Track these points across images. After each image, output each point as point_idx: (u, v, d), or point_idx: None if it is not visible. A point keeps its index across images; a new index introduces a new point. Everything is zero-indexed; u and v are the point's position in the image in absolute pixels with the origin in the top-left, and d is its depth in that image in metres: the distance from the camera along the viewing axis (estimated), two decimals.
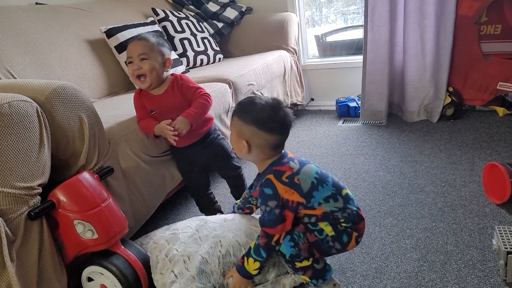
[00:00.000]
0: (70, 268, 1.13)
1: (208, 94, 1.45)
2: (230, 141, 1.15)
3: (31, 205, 0.99)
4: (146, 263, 1.16)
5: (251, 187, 1.29)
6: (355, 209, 1.08)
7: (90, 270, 1.13)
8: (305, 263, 1.09)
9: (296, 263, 1.09)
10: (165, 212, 1.79)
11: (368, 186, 1.75)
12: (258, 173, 1.16)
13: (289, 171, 1.04)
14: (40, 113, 1.01)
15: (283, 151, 1.11)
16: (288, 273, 1.19)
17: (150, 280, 1.16)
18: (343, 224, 1.08)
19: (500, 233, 1.17)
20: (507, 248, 1.10)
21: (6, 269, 0.92)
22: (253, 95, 1.08)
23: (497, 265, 1.18)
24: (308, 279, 1.12)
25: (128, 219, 1.21)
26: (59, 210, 1.05)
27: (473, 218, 1.42)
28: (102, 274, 1.11)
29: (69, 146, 1.13)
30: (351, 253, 1.33)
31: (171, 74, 1.46)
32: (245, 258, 1.10)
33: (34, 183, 0.99)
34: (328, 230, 1.08)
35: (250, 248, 1.10)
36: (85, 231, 1.06)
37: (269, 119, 1.04)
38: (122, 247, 1.14)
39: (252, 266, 1.08)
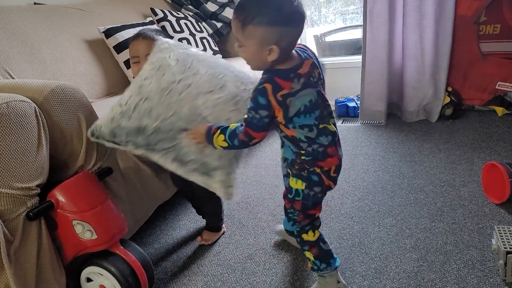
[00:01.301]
0: (69, 268, 1.12)
1: None
2: (247, 57, 1.02)
3: (29, 206, 0.99)
4: (145, 263, 1.15)
5: None
6: (325, 144, 1.04)
7: (89, 271, 1.12)
8: (310, 234, 1.13)
9: (303, 235, 1.13)
10: (164, 213, 1.79)
11: (367, 186, 1.75)
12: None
13: (287, 90, 0.96)
14: (38, 113, 1.01)
15: (299, 59, 1.01)
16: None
17: (150, 280, 1.16)
18: (302, 157, 1.05)
19: (499, 233, 1.17)
20: (506, 248, 1.10)
21: (4, 270, 0.91)
22: None
23: (497, 265, 1.18)
24: (312, 258, 1.14)
25: (127, 219, 1.20)
26: (58, 210, 1.05)
27: (473, 218, 1.42)
28: (101, 274, 1.11)
29: (68, 147, 1.12)
30: (350, 253, 1.33)
31: None
32: (219, 131, 1.06)
33: (32, 183, 0.99)
34: (299, 186, 1.08)
35: (228, 127, 1.06)
36: (84, 232, 1.05)
37: (290, 10, 0.93)
38: (121, 247, 1.13)
39: (220, 142, 1.07)
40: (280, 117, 0.99)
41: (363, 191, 1.72)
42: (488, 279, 1.14)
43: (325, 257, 1.14)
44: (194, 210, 1.77)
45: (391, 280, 1.19)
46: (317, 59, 1.06)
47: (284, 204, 1.23)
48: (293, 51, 1.02)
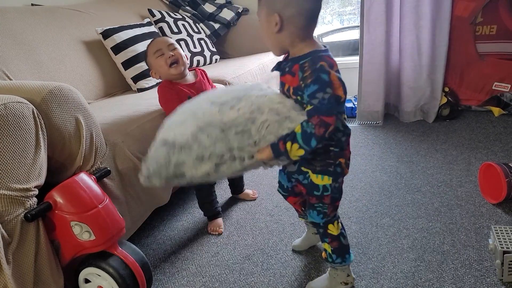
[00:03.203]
0: (67, 270, 1.12)
1: None
2: (262, 34, 1.01)
3: (27, 207, 0.99)
4: (143, 264, 1.16)
5: None
6: (348, 132, 1.04)
7: (87, 272, 1.12)
8: (336, 226, 1.12)
9: (329, 226, 1.11)
10: (162, 213, 1.79)
11: (364, 187, 1.76)
12: (283, 61, 1.03)
13: (336, 66, 0.93)
14: (36, 115, 1.01)
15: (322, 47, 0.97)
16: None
17: (148, 281, 1.16)
18: (331, 148, 1.03)
19: (496, 233, 1.18)
20: (503, 248, 1.11)
21: (2, 271, 0.91)
22: None
23: (494, 265, 1.18)
24: (330, 250, 1.14)
25: (125, 220, 1.20)
26: (56, 211, 1.05)
27: (470, 218, 1.43)
28: (99, 275, 1.10)
29: (66, 148, 1.12)
30: None
31: (193, 69, 1.60)
32: (289, 142, 0.94)
33: (30, 184, 0.99)
34: (325, 181, 1.05)
35: (295, 133, 0.94)
36: (82, 233, 1.05)
37: None
38: (120, 248, 1.13)
39: (295, 152, 0.94)
40: (341, 94, 0.91)
41: (361, 191, 1.72)
42: (485, 279, 1.14)
43: (342, 252, 1.14)
44: (193, 210, 1.77)
45: (388, 280, 1.20)
46: None
47: (298, 200, 1.25)
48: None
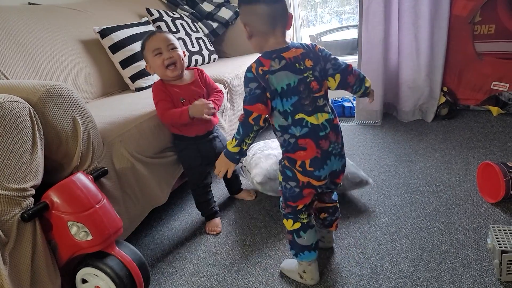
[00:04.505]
0: (64, 270, 1.12)
1: (221, 90, 1.64)
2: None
3: (24, 207, 0.98)
4: (141, 264, 1.15)
5: None
6: (298, 135, 1.08)
7: (85, 272, 1.12)
8: (290, 223, 1.20)
9: (283, 220, 1.22)
10: (159, 213, 1.79)
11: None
12: None
13: (267, 67, 1.05)
14: (32, 114, 1.00)
15: (287, 45, 1.10)
16: None
17: (145, 281, 1.16)
18: (282, 149, 1.14)
19: (494, 232, 1.18)
20: (501, 247, 1.11)
21: None
22: None
23: (492, 264, 1.18)
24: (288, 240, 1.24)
25: (123, 220, 1.20)
26: (53, 211, 1.04)
27: (468, 217, 1.43)
28: (97, 275, 1.10)
29: (63, 147, 1.12)
30: (346, 253, 1.33)
31: (191, 68, 1.58)
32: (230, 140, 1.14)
33: (27, 184, 0.99)
34: (279, 178, 1.17)
35: None
36: (79, 233, 1.05)
37: None
38: (117, 248, 1.13)
39: (231, 143, 1.12)
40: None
41: (359, 191, 1.72)
42: (483, 278, 1.14)
43: (295, 247, 1.20)
44: (191, 210, 1.77)
45: (387, 279, 1.20)
46: (318, 54, 1.13)
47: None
48: (288, 40, 1.12)
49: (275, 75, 1.05)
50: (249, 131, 1.08)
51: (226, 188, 1.86)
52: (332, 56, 1.16)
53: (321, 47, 1.15)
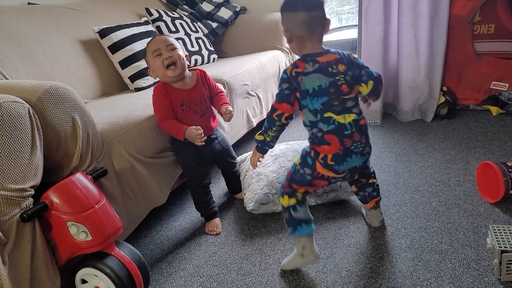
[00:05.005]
0: (64, 270, 1.12)
1: (223, 91, 1.65)
2: None
3: (23, 207, 0.98)
4: (140, 264, 1.15)
5: None
6: (324, 130, 1.17)
7: (84, 272, 1.12)
8: (285, 199, 1.28)
9: (279, 198, 1.30)
10: (159, 213, 1.79)
11: None
12: None
13: (301, 69, 1.16)
14: (32, 114, 1.00)
15: (322, 50, 1.20)
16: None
17: (145, 281, 1.16)
18: (310, 141, 1.23)
19: (494, 232, 1.18)
20: (501, 247, 1.11)
21: None
22: None
23: (492, 264, 1.18)
24: (284, 220, 1.31)
25: (122, 220, 1.20)
26: (52, 211, 1.04)
27: (468, 217, 1.43)
28: (96, 276, 1.10)
29: (62, 147, 1.12)
30: (346, 253, 1.33)
31: (194, 69, 1.57)
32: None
33: (26, 184, 0.98)
34: (296, 160, 1.26)
35: None
36: (78, 233, 1.05)
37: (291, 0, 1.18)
38: (116, 248, 1.13)
39: (259, 136, 1.27)
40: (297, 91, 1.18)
41: None
42: (483, 278, 1.14)
43: (292, 223, 1.26)
44: (190, 210, 1.77)
45: (386, 279, 1.20)
46: (352, 61, 1.22)
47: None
48: (323, 46, 1.21)
49: (307, 76, 1.15)
50: (272, 125, 1.22)
51: (225, 188, 1.86)
52: (366, 65, 1.25)
53: (355, 55, 1.25)
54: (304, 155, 1.24)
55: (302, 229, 1.24)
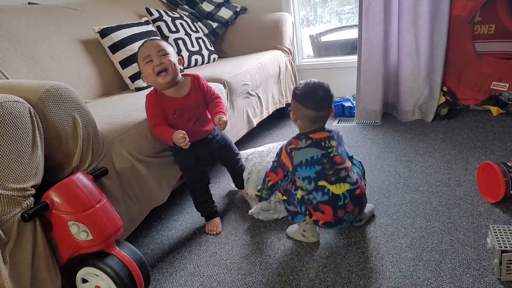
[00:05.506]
0: (64, 269, 1.12)
1: (219, 96, 1.62)
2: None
3: (24, 207, 0.98)
4: (141, 264, 1.15)
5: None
6: (317, 200, 1.24)
7: (85, 272, 1.12)
8: (278, 194, 1.44)
9: (279, 193, 1.44)
10: (159, 213, 1.79)
11: None
12: None
13: (294, 145, 1.29)
14: (33, 114, 1.00)
15: (325, 127, 1.32)
16: None
17: (146, 281, 1.16)
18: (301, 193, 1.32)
19: (494, 232, 1.18)
20: (501, 247, 1.11)
21: None
22: (308, 79, 1.31)
23: (492, 264, 1.18)
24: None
25: (123, 220, 1.20)
26: (53, 211, 1.04)
27: (468, 217, 1.43)
28: (97, 275, 1.10)
29: (63, 147, 1.12)
30: (346, 253, 1.34)
31: (187, 75, 1.54)
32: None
33: (27, 184, 0.99)
34: (299, 194, 1.31)
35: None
36: (79, 232, 1.05)
37: (305, 96, 1.26)
38: (117, 248, 1.13)
39: (257, 192, 1.49)
40: (288, 164, 1.30)
41: None
42: (483, 278, 1.14)
43: (289, 213, 1.42)
44: (191, 210, 1.77)
45: (387, 279, 1.20)
46: (340, 139, 1.35)
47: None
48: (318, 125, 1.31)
49: (300, 151, 1.27)
50: (265, 185, 1.42)
51: (226, 188, 1.86)
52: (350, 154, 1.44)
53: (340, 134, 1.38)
54: (300, 200, 1.30)
55: (299, 219, 1.39)
